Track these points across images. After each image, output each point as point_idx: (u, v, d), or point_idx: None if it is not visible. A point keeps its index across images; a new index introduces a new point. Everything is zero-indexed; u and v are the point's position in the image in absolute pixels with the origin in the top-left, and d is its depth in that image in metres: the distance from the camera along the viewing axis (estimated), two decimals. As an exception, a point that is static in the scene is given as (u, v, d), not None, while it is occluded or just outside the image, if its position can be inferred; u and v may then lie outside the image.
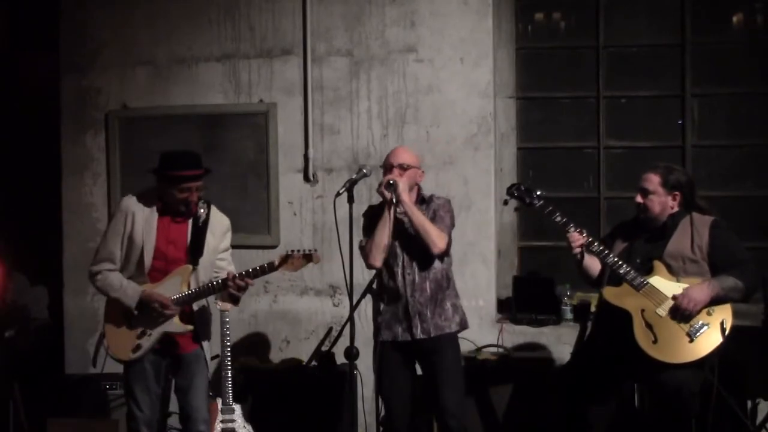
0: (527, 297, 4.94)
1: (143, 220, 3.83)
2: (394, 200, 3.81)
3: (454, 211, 4.05)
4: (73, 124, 5.41)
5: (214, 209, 3.99)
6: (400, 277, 3.93)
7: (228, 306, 4.35)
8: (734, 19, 5.10)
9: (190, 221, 3.90)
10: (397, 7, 5.03)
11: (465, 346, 4.35)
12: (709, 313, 3.63)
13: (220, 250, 4.00)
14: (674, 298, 3.65)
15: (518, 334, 4.88)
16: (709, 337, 3.61)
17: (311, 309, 5.19)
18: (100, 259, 3.88)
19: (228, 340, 4.30)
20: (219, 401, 4.40)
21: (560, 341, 4.79)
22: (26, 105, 5.95)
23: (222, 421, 4.37)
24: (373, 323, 4.07)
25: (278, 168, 5.16)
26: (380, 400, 4.08)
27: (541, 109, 5.23)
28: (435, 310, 3.93)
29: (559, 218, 3.84)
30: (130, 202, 3.89)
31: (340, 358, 4.65)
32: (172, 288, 3.83)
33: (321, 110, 5.13)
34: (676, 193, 3.79)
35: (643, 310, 3.70)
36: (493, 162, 5.00)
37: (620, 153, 5.14)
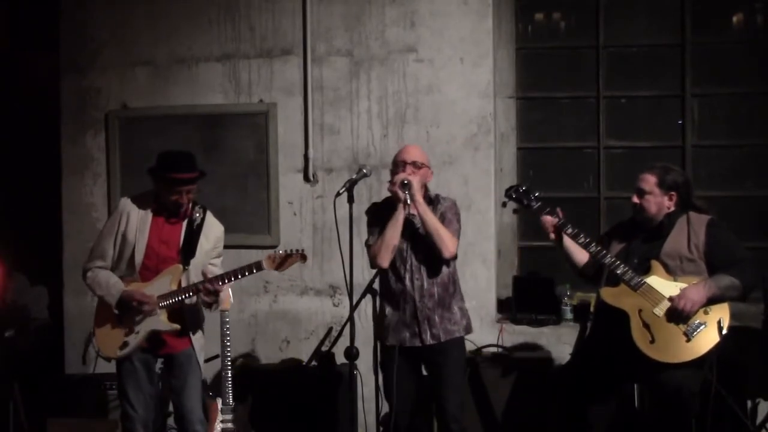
0: (527, 297, 4.94)
1: (138, 219, 3.89)
2: (407, 200, 3.72)
3: (460, 214, 3.98)
4: (73, 124, 5.41)
5: (209, 215, 4.03)
6: (408, 281, 3.84)
7: (228, 306, 4.35)
8: (734, 19, 5.10)
9: (185, 223, 3.93)
10: (397, 7, 5.03)
11: (465, 347, 4.33)
12: (706, 312, 3.63)
13: (212, 256, 4.03)
14: (671, 299, 3.64)
15: (518, 334, 4.88)
16: (706, 336, 3.60)
17: (311, 309, 5.19)
18: (93, 257, 3.94)
19: (228, 340, 4.29)
20: (219, 401, 4.39)
21: (560, 341, 4.79)
22: (26, 105, 5.96)
23: (222, 421, 4.37)
24: (374, 324, 4.06)
25: (278, 168, 5.17)
26: (380, 399, 4.08)
27: (541, 109, 5.23)
28: (443, 315, 3.86)
29: (561, 223, 3.84)
30: (127, 202, 3.96)
31: (340, 358, 4.64)
32: (161, 287, 3.85)
33: (321, 110, 5.13)
34: (673, 193, 3.79)
35: (640, 310, 3.69)
36: (493, 162, 5.00)
37: (620, 153, 5.14)
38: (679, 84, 5.05)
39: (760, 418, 4.32)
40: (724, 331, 3.59)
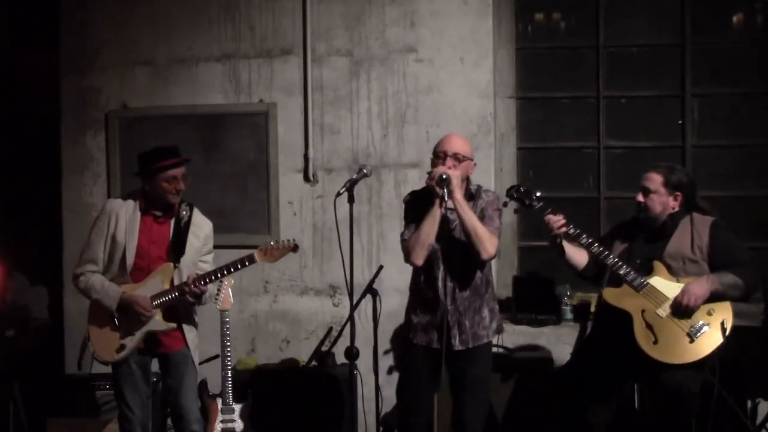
0: (527, 297, 4.94)
1: (126, 220, 3.87)
2: (445, 197, 3.46)
3: (502, 210, 3.77)
4: (73, 124, 5.41)
5: (196, 211, 4.02)
6: (440, 284, 3.62)
7: (228, 306, 4.36)
8: (734, 19, 5.10)
9: (172, 221, 3.93)
10: (397, 7, 5.03)
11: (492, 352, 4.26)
12: (709, 313, 3.63)
13: (203, 253, 4.03)
14: (675, 297, 3.64)
15: (518, 334, 4.87)
16: (709, 338, 3.60)
17: (311, 309, 5.19)
18: (84, 261, 3.91)
19: (228, 340, 4.29)
20: (219, 401, 4.39)
21: (560, 341, 4.79)
22: (26, 105, 5.95)
23: (222, 421, 4.37)
24: (373, 323, 4.03)
25: (278, 168, 5.17)
26: (380, 399, 4.08)
27: (541, 109, 5.23)
28: (474, 319, 3.67)
29: (571, 230, 3.84)
30: (114, 204, 3.95)
31: (340, 358, 4.65)
32: (153, 287, 3.85)
33: (321, 110, 5.13)
34: (678, 193, 3.79)
35: (643, 311, 3.70)
36: (493, 162, 5.00)
37: (620, 153, 5.14)
38: (679, 84, 5.05)
39: (760, 418, 4.32)
40: (728, 333, 3.59)
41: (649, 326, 3.67)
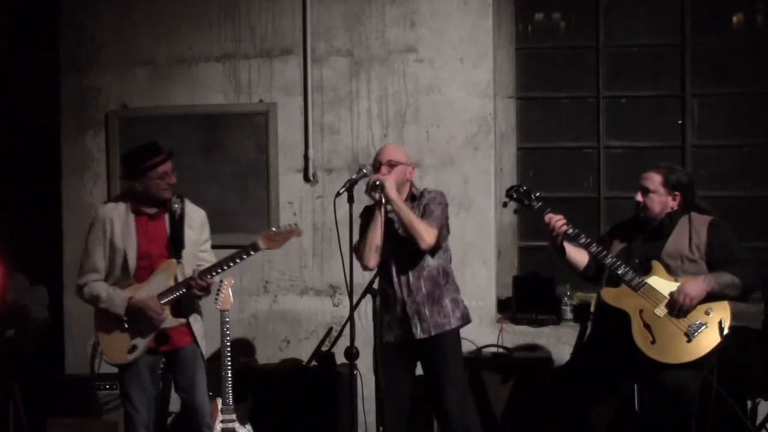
0: (527, 297, 4.94)
1: (121, 224, 3.86)
2: (383, 200, 3.77)
3: (447, 203, 3.97)
4: (73, 124, 5.41)
5: (188, 202, 4.02)
6: (395, 279, 3.89)
7: (228, 306, 4.36)
8: (734, 19, 5.10)
9: (167, 216, 3.93)
10: (397, 7, 5.03)
11: (465, 346, 4.33)
12: (707, 313, 3.63)
13: (201, 242, 4.03)
14: (670, 294, 3.65)
15: (518, 334, 4.88)
16: (707, 337, 3.60)
17: (311, 309, 5.19)
18: (85, 272, 3.90)
19: (228, 340, 4.29)
20: (219, 401, 4.39)
21: (560, 341, 4.79)
22: (26, 105, 5.95)
23: (222, 421, 4.37)
24: (374, 324, 4.05)
25: (278, 168, 5.17)
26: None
27: (541, 109, 5.23)
28: (433, 308, 3.88)
29: (570, 230, 3.84)
30: (106, 209, 3.93)
31: (340, 358, 4.65)
32: (159, 285, 3.85)
33: (321, 110, 5.13)
34: (677, 193, 3.79)
35: (641, 311, 3.70)
36: (493, 162, 5.00)
37: (620, 153, 5.14)
38: (679, 84, 5.05)
39: (760, 418, 4.31)
40: (725, 332, 3.59)
41: (647, 326, 3.67)
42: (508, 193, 3.98)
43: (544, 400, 4.42)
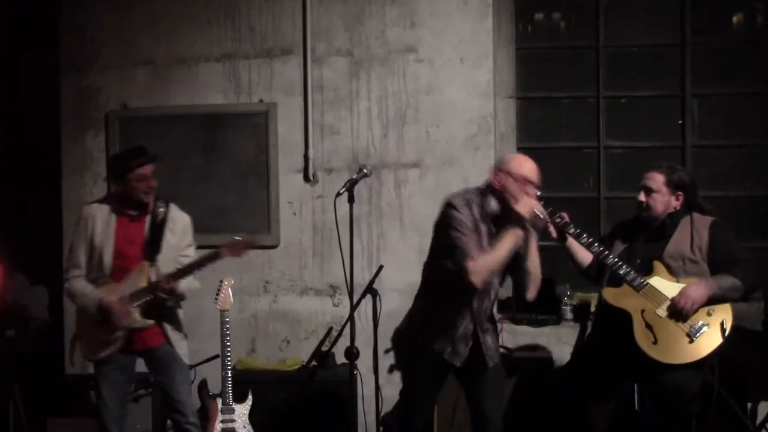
0: (527, 297, 4.94)
1: (103, 223, 3.96)
2: (538, 230, 3.49)
3: None
4: (73, 124, 5.40)
5: (173, 207, 4.08)
6: (475, 301, 3.52)
7: (228, 306, 4.36)
8: (734, 19, 5.10)
9: (148, 219, 3.99)
10: (397, 7, 5.03)
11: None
12: (709, 314, 3.63)
13: (182, 247, 4.07)
14: (672, 299, 3.65)
15: (518, 334, 4.88)
16: (709, 338, 3.61)
17: (311, 309, 5.19)
18: (68, 268, 4.02)
19: (228, 340, 4.30)
20: (219, 401, 4.40)
21: (560, 341, 4.79)
22: (26, 105, 5.95)
23: (222, 421, 4.37)
24: (373, 324, 4.03)
25: (278, 168, 5.16)
26: (380, 399, 4.08)
27: (541, 109, 5.24)
28: (494, 332, 3.67)
29: (559, 220, 3.84)
30: (90, 209, 4.03)
31: (340, 358, 4.65)
32: (131, 286, 3.91)
33: (321, 110, 5.13)
34: (680, 193, 3.79)
35: (642, 311, 3.70)
36: (493, 162, 4.99)
37: (620, 153, 5.14)
38: (679, 84, 5.05)
39: (760, 418, 4.31)
40: (727, 333, 3.59)
41: (648, 326, 3.67)
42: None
43: (544, 400, 4.42)
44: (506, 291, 5.09)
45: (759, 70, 4.99)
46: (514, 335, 4.87)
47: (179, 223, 4.06)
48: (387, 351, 4.86)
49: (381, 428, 4.24)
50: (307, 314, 5.19)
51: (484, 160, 4.96)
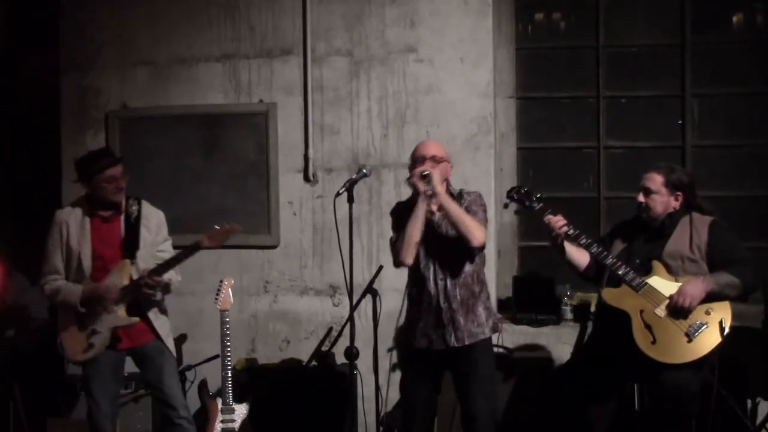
0: (527, 297, 4.94)
1: (77, 227, 3.98)
2: (428, 192, 3.59)
3: (486, 205, 3.83)
4: (73, 124, 5.41)
5: (145, 204, 4.11)
6: (431, 284, 3.70)
7: (228, 306, 4.36)
8: (734, 19, 5.10)
9: (122, 218, 4.02)
10: (397, 7, 5.03)
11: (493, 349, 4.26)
12: (707, 313, 3.63)
13: (158, 243, 4.10)
14: (670, 296, 3.65)
15: (518, 334, 4.88)
16: (708, 337, 3.61)
17: (311, 309, 5.19)
18: (45, 273, 4.02)
19: (228, 340, 4.30)
20: (219, 401, 4.40)
21: (560, 341, 4.79)
22: (26, 105, 5.94)
23: (222, 421, 4.37)
24: (373, 324, 4.03)
25: (278, 168, 5.17)
26: (380, 399, 4.08)
27: (541, 109, 5.23)
28: (467, 317, 3.70)
29: (571, 231, 3.84)
30: (62, 214, 4.05)
31: (340, 358, 4.65)
32: (113, 285, 3.93)
33: (321, 110, 5.13)
34: (679, 193, 3.80)
35: (641, 311, 3.70)
36: (493, 162, 5.00)
37: (620, 153, 5.14)
38: (679, 84, 5.05)
39: (760, 418, 4.32)
40: (726, 332, 3.59)
41: (647, 326, 3.67)
42: (509, 195, 3.98)
43: (544, 400, 4.41)
44: (506, 291, 5.10)
45: (759, 70, 4.99)
46: (514, 335, 4.87)
47: (153, 219, 4.10)
48: (387, 351, 4.86)
49: (381, 428, 4.24)
50: (307, 314, 5.19)
51: (484, 160, 4.96)
